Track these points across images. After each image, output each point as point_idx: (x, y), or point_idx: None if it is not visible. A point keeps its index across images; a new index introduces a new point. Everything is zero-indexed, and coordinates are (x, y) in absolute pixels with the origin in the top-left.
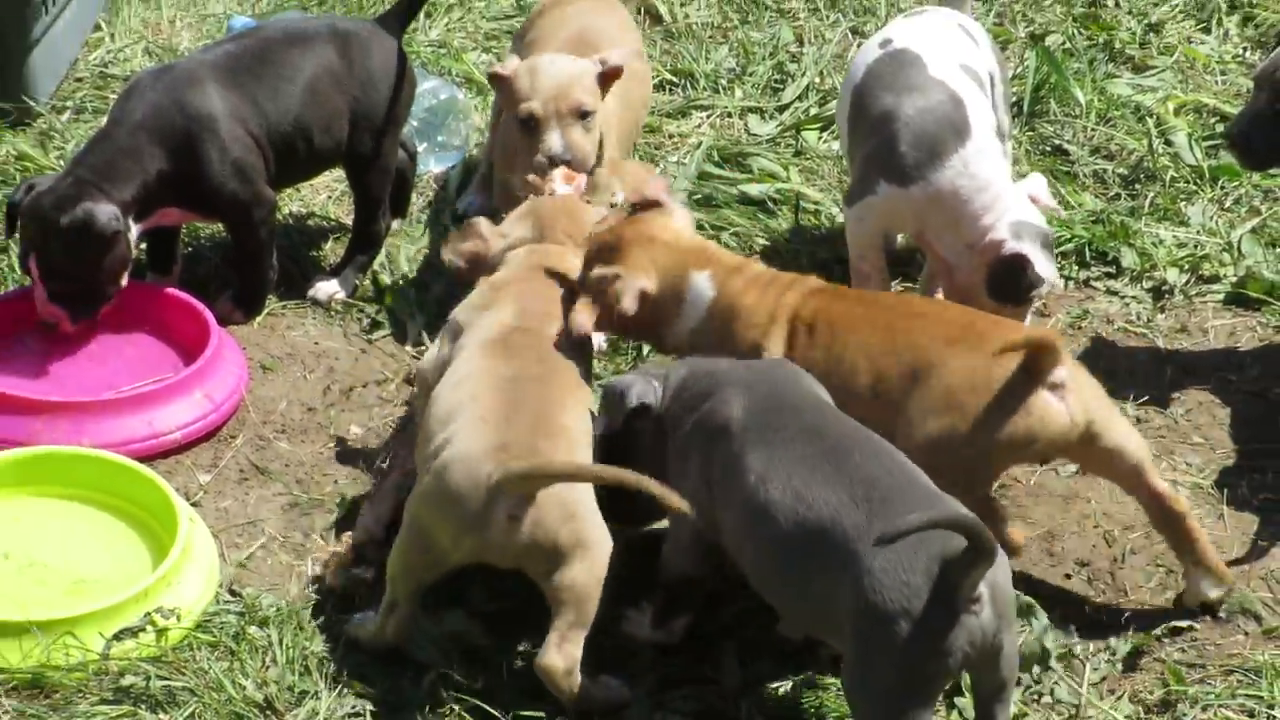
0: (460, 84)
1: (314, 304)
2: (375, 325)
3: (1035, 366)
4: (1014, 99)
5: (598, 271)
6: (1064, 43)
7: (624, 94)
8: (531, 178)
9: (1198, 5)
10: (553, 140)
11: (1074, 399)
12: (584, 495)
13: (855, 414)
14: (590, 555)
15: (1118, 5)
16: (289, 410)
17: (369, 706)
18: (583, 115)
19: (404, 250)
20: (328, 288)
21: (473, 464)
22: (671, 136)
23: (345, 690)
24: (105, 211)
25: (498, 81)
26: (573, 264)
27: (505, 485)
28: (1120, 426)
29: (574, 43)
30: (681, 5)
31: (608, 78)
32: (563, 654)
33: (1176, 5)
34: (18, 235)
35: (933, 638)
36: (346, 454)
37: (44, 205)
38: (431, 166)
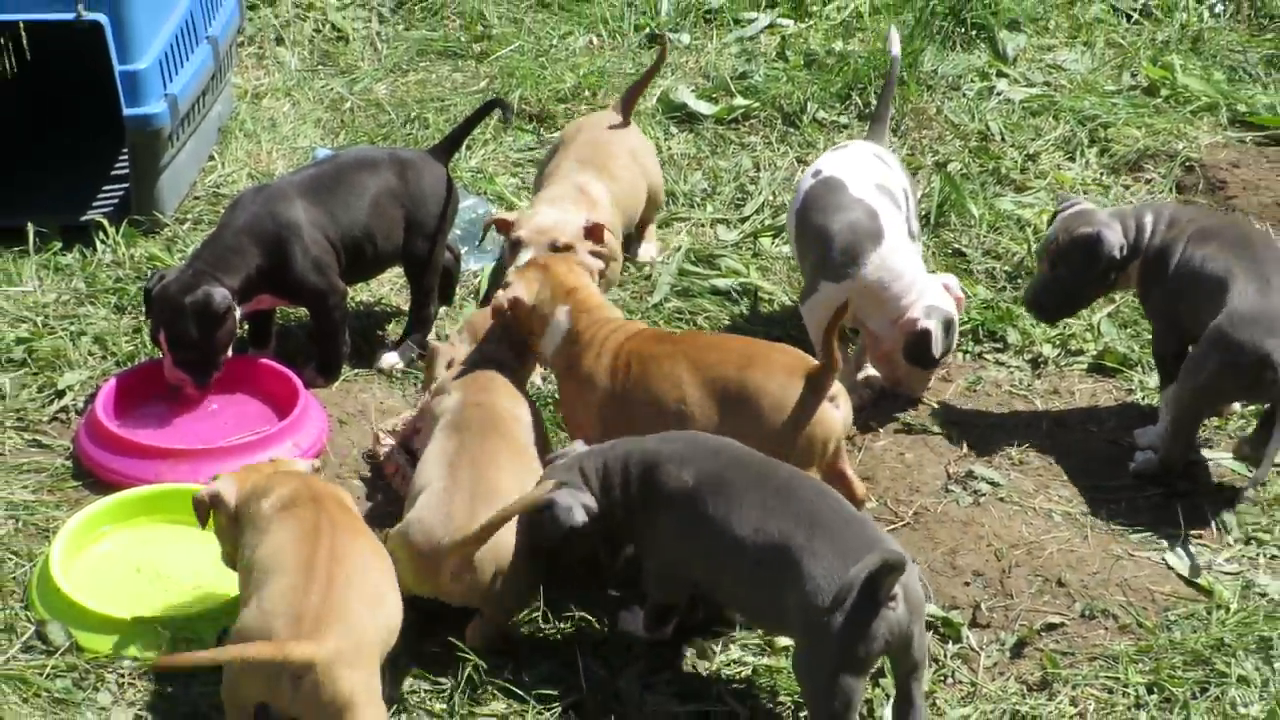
0: (494, 201)
1: (379, 372)
2: (427, 388)
3: (818, 385)
4: (924, 212)
5: (506, 278)
6: (961, 169)
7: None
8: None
9: (1065, 140)
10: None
11: (845, 405)
12: (504, 540)
13: (665, 425)
14: (507, 579)
15: (1003, 140)
16: (359, 453)
17: (423, 686)
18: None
19: (449, 329)
20: (390, 359)
21: (428, 530)
22: (660, 243)
23: (405, 675)
24: (220, 293)
25: (503, 226)
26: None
27: (450, 553)
28: None
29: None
30: (665, 140)
31: (591, 233)
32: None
33: (1049, 140)
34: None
35: (861, 628)
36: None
37: (171, 289)
38: (471, 265)
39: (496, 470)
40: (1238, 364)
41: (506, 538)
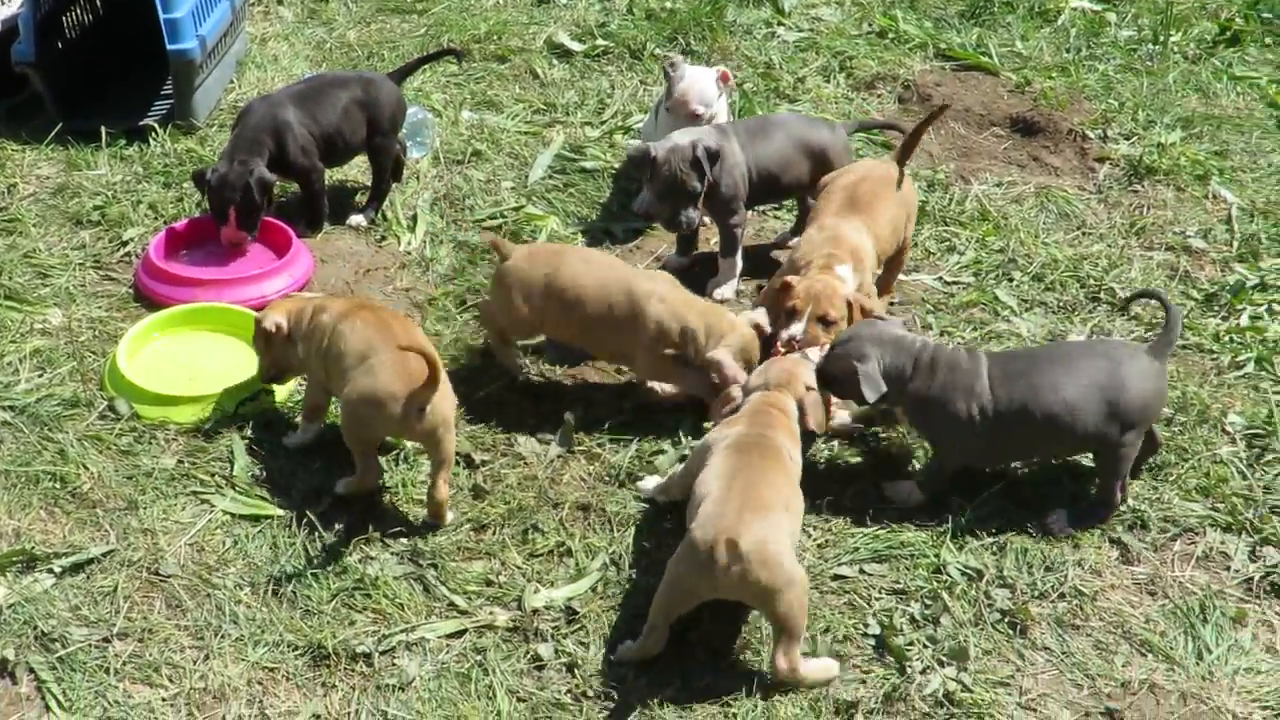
0: (428, 109)
1: (349, 228)
2: (383, 239)
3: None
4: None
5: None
6: (753, 87)
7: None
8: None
9: (823, 68)
10: (796, 329)
11: None
12: (782, 545)
13: None
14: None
15: (782, 68)
16: (336, 283)
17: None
18: (826, 323)
19: (399, 198)
20: (357, 218)
21: (703, 535)
22: (541, 137)
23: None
24: (266, 170)
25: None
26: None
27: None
28: None
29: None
30: (549, 69)
31: (853, 305)
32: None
33: (813, 68)
34: (207, 195)
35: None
36: None
37: (231, 177)
38: (413, 154)
39: (769, 488)
40: None
41: (776, 540)
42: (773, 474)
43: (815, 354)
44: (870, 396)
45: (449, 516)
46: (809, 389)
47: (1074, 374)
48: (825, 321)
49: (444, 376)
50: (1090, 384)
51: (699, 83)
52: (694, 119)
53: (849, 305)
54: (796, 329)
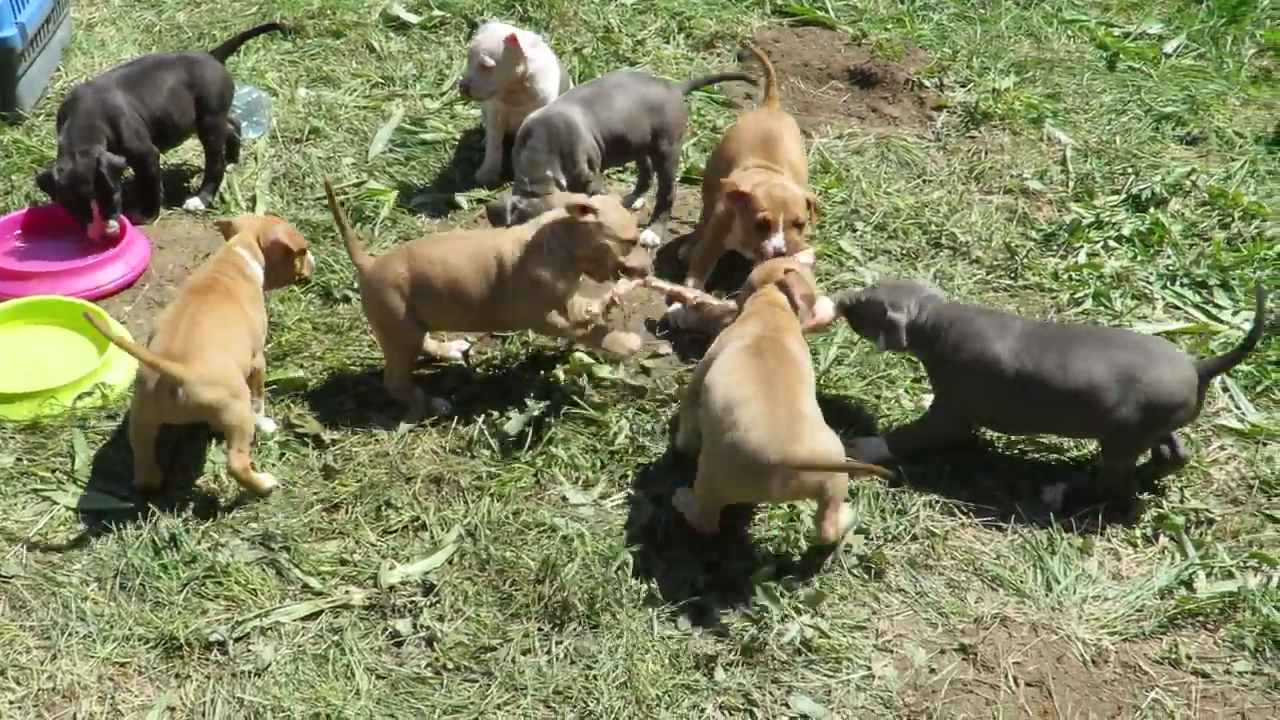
0: (264, 89)
1: (187, 212)
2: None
3: None
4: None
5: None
6: (592, 51)
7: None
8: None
9: (662, 29)
10: (777, 241)
11: None
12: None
13: None
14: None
15: (621, 31)
16: (175, 269)
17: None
18: (799, 226)
19: (237, 179)
20: (194, 202)
21: (762, 445)
22: (380, 111)
23: None
24: (110, 154)
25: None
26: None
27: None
28: None
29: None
30: (386, 42)
31: (810, 204)
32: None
33: (651, 30)
34: (59, 197)
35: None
36: None
37: (80, 170)
38: (250, 135)
39: (799, 398)
40: None
41: (830, 443)
42: (802, 382)
43: (806, 257)
44: (882, 348)
45: (266, 484)
46: (789, 270)
47: (1104, 356)
48: (797, 225)
49: (213, 357)
50: (1116, 370)
51: (491, 36)
52: (484, 70)
53: (808, 205)
54: (778, 241)
